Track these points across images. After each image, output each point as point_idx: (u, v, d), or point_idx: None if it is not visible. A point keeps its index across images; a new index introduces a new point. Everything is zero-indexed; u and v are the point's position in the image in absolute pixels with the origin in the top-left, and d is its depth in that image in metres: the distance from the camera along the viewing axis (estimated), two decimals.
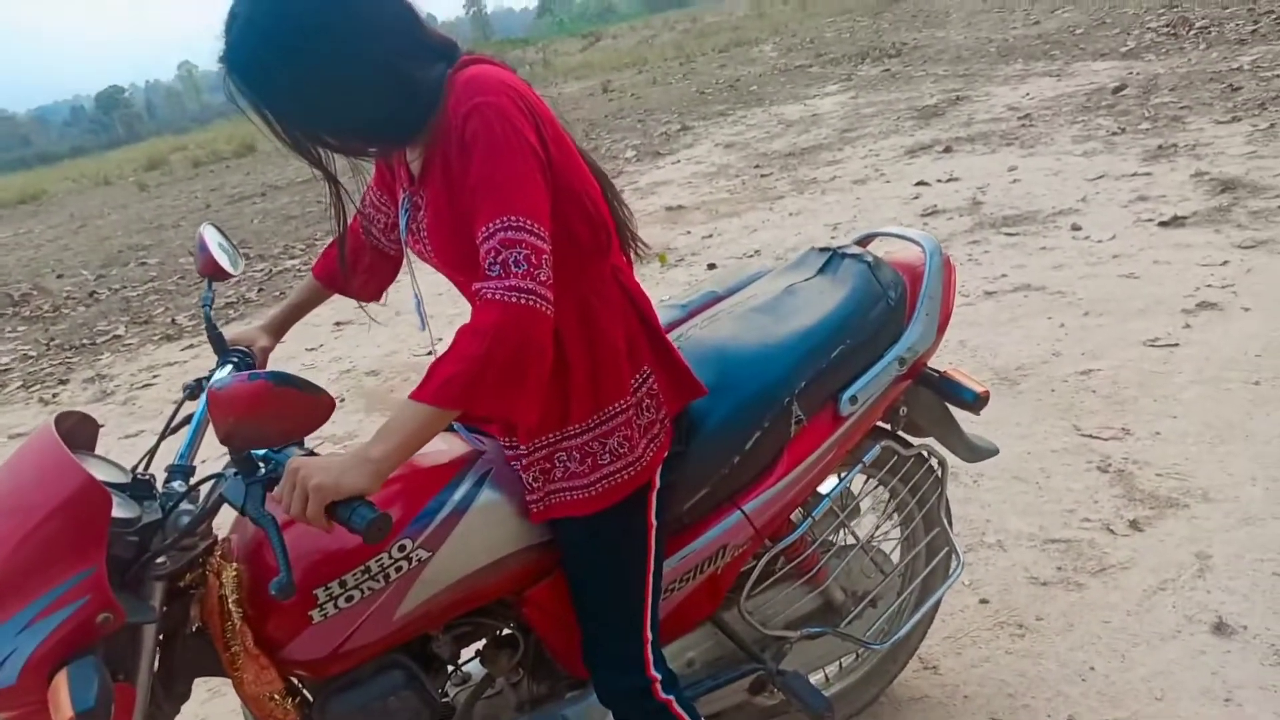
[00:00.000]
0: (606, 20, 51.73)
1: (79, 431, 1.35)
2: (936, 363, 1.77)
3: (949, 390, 1.70)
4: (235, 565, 1.27)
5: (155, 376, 5.36)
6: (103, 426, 1.45)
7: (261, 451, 1.20)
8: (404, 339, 4.95)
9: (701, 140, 9.41)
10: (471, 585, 1.36)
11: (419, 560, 1.31)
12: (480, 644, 1.54)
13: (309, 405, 1.12)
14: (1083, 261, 4.26)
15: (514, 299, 1.13)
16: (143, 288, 7.82)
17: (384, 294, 1.67)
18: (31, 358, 6.28)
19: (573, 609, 1.44)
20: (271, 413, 1.10)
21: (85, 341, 6.42)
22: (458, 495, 1.35)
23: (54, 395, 5.36)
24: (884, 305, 1.61)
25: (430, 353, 4.74)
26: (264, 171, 14.64)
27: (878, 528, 1.85)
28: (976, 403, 1.66)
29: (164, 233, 10.68)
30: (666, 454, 1.40)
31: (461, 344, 1.14)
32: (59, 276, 9.10)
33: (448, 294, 1.50)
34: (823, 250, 1.75)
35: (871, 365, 1.60)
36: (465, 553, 1.34)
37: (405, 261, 1.52)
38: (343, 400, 4.29)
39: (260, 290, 6.82)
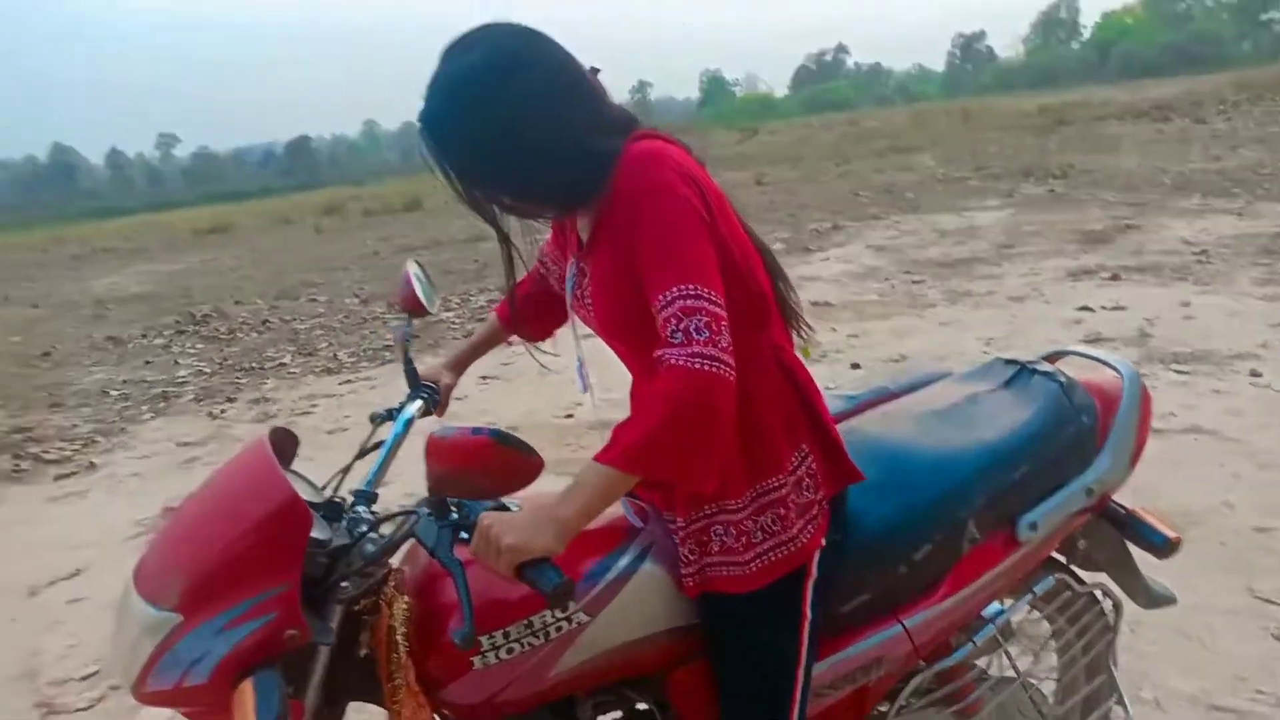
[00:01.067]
0: (765, 116, 52.85)
1: (283, 447, 1.42)
2: None
3: (1136, 530, 1.61)
4: (406, 598, 1.32)
5: (314, 405, 5.69)
6: None
7: None
8: (545, 397, 5.09)
9: (853, 240, 9.40)
10: (624, 655, 1.36)
11: (579, 623, 1.32)
12: (618, 715, 1.52)
13: (522, 466, 1.17)
14: (1262, 410, 3.99)
15: (698, 365, 1.14)
16: (310, 321, 8.36)
17: (554, 335, 1.75)
18: (205, 374, 6.78)
19: (716, 694, 1.41)
20: (486, 468, 1.15)
21: (254, 365, 6.89)
22: (623, 562, 1.36)
23: (221, 411, 5.75)
24: (1075, 430, 1.55)
25: (569, 415, 4.80)
26: (429, 226, 15.51)
27: (1036, 663, 1.74)
28: (1166, 547, 1.57)
29: (334, 273, 11.43)
30: (824, 541, 1.38)
31: (646, 409, 1.17)
32: (237, 303, 9.84)
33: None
34: (1009, 362, 1.70)
35: (1056, 491, 1.53)
36: (623, 622, 1.35)
37: (570, 325, 1.56)
38: None
39: (415, 337, 7.16)
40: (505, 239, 1.39)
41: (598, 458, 1.17)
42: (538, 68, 1.24)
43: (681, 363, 1.15)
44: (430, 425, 1.86)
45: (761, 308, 1.35)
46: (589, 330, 1.45)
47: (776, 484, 1.34)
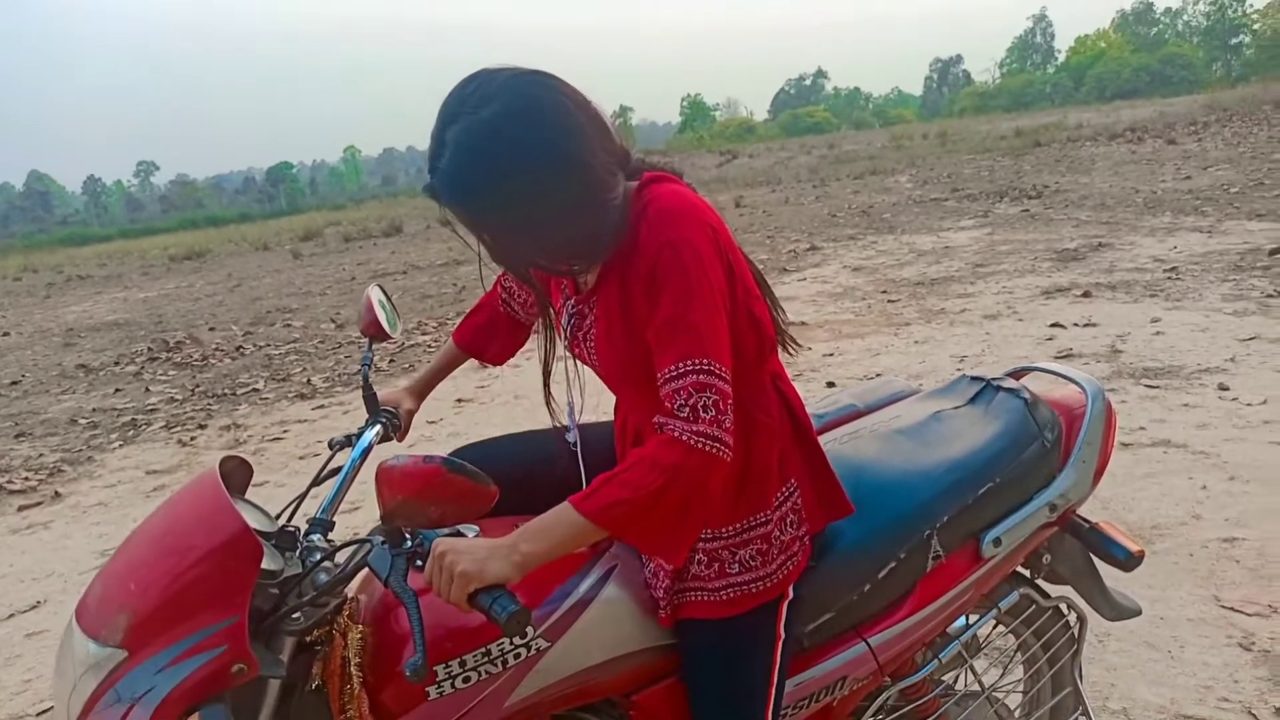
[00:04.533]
0: (744, 140, 53.27)
1: (236, 475, 1.40)
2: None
3: (1099, 544, 1.61)
4: (361, 628, 1.29)
5: (285, 431, 5.62)
6: None
7: None
8: (519, 422, 5.06)
9: (830, 261, 9.46)
10: (585, 680, 1.34)
11: (538, 649, 1.30)
12: None
13: (474, 494, 1.15)
14: (1229, 423, 4.02)
15: (699, 444, 1.14)
16: (285, 347, 8.29)
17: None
18: (177, 401, 6.69)
19: (681, 717, 1.39)
20: (438, 496, 1.13)
21: (226, 391, 6.81)
22: (583, 587, 1.34)
23: (191, 438, 5.67)
24: (1038, 446, 1.55)
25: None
26: (408, 251, 15.49)
27: (1002, 678, 1.73)
28: (1129, 561, 1.56)
29: (310, 299, 11.37)
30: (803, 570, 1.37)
31: (638, 473, 1.15)
32: (211, 329, 9.76)
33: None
34: (975, 379, 1.71)
35: (1020, 508, 1.53)
36: (584, 647, 1.32)
37: (571, 370, 1.48)
38: None
39: (391, 361, 7.11)
40: (545, 300, 1.40)
41: (574, 504, 1.15)
42: (560, 112, 1.16)
43: (685, 438, 1.14)
44: (392, 451, 1.84)
45: (767, 340, 1.34)
46: (566, 358, 1.43)
47: (761, 520, 1.33)
